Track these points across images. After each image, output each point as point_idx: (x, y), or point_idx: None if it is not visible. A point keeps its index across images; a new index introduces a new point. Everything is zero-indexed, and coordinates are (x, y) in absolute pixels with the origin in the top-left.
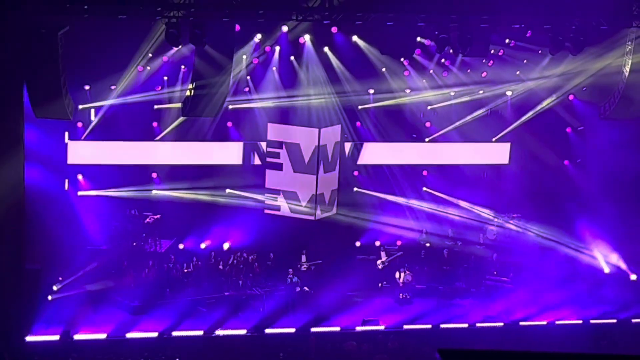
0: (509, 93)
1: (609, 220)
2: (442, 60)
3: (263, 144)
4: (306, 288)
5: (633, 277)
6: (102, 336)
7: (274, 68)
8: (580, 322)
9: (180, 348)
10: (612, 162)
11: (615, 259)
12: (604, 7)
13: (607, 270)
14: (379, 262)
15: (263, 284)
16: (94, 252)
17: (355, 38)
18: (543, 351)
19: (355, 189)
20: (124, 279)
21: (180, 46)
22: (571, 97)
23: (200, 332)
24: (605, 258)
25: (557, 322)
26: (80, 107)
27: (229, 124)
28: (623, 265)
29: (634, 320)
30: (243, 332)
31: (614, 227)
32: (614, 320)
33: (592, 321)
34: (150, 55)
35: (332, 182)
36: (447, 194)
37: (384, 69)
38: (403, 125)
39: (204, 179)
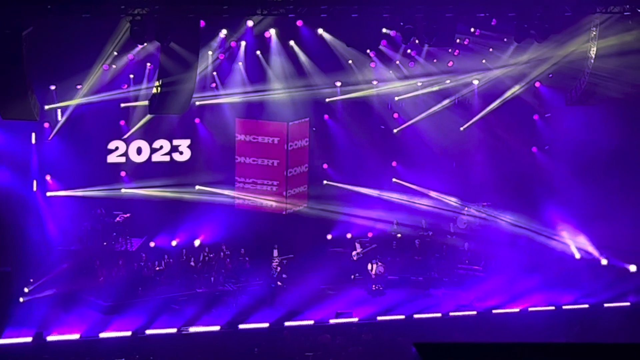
0: (475, 82)
1: (578, 206)
2: (408, 50)
3: (232, 140)
4: (279, 283)
5: (604, 261)
6: (75, 337)
7: (240, 63)
8: (553, 308)
9: (154, 346)
10: (580, 148)
11: (586, 244)
12: None
13: (577, 255)
14: (353, 253)
15: (236, 280)
16: (64, 253)
17: (320, 31)
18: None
19: (325, 182)
20: (95, 279)
21: (145, 44)
22: (537, 84)
23: (173, 330)
24: (575, 244)
25: (530, 309)
26: (46, 107)
27: (197, 120)
28: (593, 251)
29: (605, 305)
30: (217, 328)
31: (583, 212)
32: (586, 306)
33: (564, 307)
34: (115, 53)
35: (301, 175)
36: (416, 184)
37: (350, 61)
38: (371, 117)
39: (173, 176)
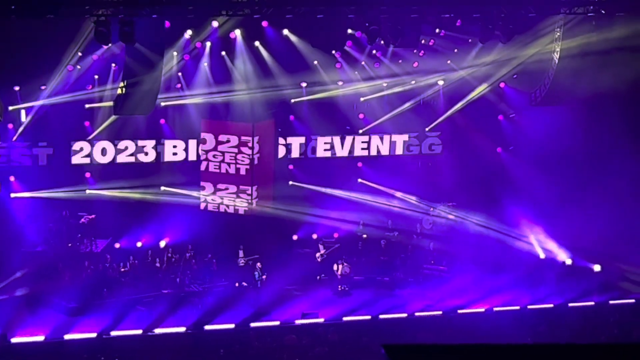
0: (440, 83)
1: (542, 205)
2: (374, 51)
3: (196, 141)
4: (244, 283)
5: (568, 261)
6: (40, 338)
7: (206, 64)
8: (518, 308)
9: (119, 348)
10: (544, 148)
11: (550, 244)
12: None
13: (542, 255)
14: (317, 254)
15: (201, 281)
16: (29, 255)
17: (286, 32)
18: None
19: (290, 182)
20: (60, 281)
21: (109, 44)
22: (502, 84)
23: (139, 331)
24: (540, 243)
25: (495, 309)
26: (10, 108)
27: (162, 121)
28: (557, 250)
29: (570, 305)
30: (182, 329)
31: (548, 212)
32: (551, 305)
33: (529, 307)
34: (79, 54)
35: (267, 176)
36: (382, 184)
37: (315, 62)
38: (336, 117)
39: (138, 178)
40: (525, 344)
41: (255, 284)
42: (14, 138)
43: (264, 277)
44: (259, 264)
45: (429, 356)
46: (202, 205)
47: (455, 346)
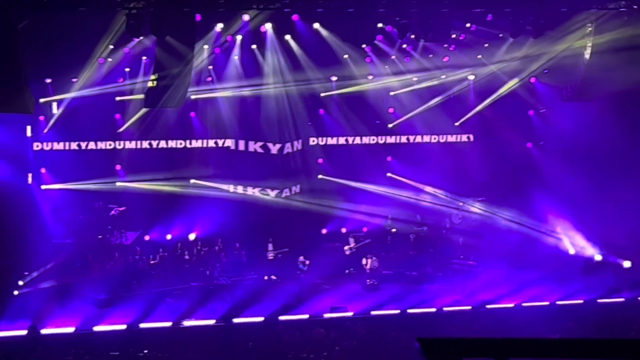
0: (471, 77)
1: (572, 201)
2: (404, 46)
3: (227, 133)
4: (273, 277)
5: (598, 257)
6: (70, 330)
7: (236, 57)
8: (547, 303)
9: (148, 340)
10: (575, 144)
11: (580, 240)
12: None
13: (571, 251)
14: (346, 247)
15: (230, 274)
16: (59, 246)
17: (316, 25)
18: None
19: (319, 176)
20: (90, 272)
21: (141, 37)
22: (533, 79)
23: (168, 324)
24: (570, 239)
25: (524, 304)
26: (41, 100)
27: (192, 114)
28: (587, 246)
29: (599, 301)
30: (211, 322)
31: (577, 208)
32: (580, 301)
33: (558, 302)
34: (111, 47)
35: (296, 169)
36: (411, 179)
37: (345, 56)
38: (366, 111)
39: (168, 170)
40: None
41: (301, 273)
42: (45, 130)
43: (307, 262)
44: (301, 257)
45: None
46: (232, 198)
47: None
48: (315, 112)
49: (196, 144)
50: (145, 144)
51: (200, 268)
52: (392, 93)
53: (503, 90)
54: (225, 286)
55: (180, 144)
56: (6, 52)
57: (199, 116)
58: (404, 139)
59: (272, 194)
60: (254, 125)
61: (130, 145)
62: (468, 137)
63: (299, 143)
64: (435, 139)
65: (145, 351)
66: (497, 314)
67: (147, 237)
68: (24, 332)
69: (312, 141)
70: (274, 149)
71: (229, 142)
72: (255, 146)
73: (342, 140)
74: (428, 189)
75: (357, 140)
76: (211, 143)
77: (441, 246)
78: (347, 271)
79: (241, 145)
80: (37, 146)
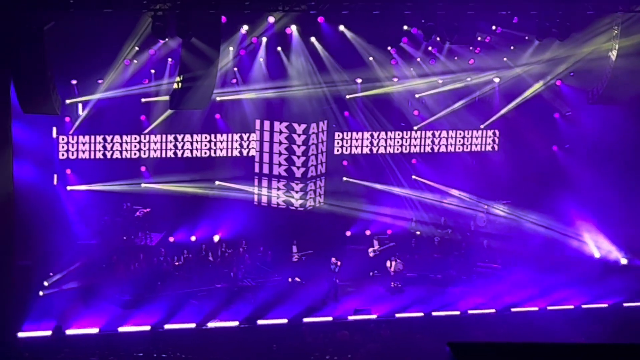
0: (496, 80)
1: (598, 204)
2: (429, 48)
3: (252, 135)
4: (297, 279)
5: (623, 261)
6: (94, 331)
7: (261, 59)
8: (572, 307)
9: (172, 341)
10: (601, 147)
11: (605, 243)
12: None
13: (597, 254)
14: (370, 250)
15: (254, 275)
16: (84, 247)
17: (341, 27)
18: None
19: (344, 178)
20: (114, 273)
21: (166, 39)
22: (559, 82)
23: (192, 325)
24: (595, 242)
25: (549, 308)
26: (67, 101)
27: (217, 115)
28: (613, 250)
29: (625, 305)
30: (235, 324)
31: (603, 211)
32: (606, 305)
33: (583, 306)
34: (136, 48)
35: (321, 171)
36: (436, 181)
37: (371, 58)
38: (391, 113)
39: (193, 172)
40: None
41: (333, 275)
42: (71, 131)
43: (338, 263)
44: (333, 258)
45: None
46: (256, 200)
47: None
48: (340, 114)
49: (221, 145)
50: (170, 146)
51: (224, 270)
52: (417, 95)
53: (529, 92)
54: (250, 288)
55: (205, 145)
56: (33, 53)
57: (224, 118)
58: (428, 142)
59: (296, 196)
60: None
61: (155, 146)
62: (493, 140)
63: (323, 145)
64: (460, 141)
65: (169, 352)
66: (522, 317)
67: (171, 239)
68: (48, 333)
69: (337, 143)
70: (298, 151)
71: (253, 145)
72: (280, 148)
73: (366, 143)
74: (453, 191)
75: (382, 142)
76: (236, 145)
77: (466, 249)
78: (371, 273)
79: (265, 146)
80: (62, 147)
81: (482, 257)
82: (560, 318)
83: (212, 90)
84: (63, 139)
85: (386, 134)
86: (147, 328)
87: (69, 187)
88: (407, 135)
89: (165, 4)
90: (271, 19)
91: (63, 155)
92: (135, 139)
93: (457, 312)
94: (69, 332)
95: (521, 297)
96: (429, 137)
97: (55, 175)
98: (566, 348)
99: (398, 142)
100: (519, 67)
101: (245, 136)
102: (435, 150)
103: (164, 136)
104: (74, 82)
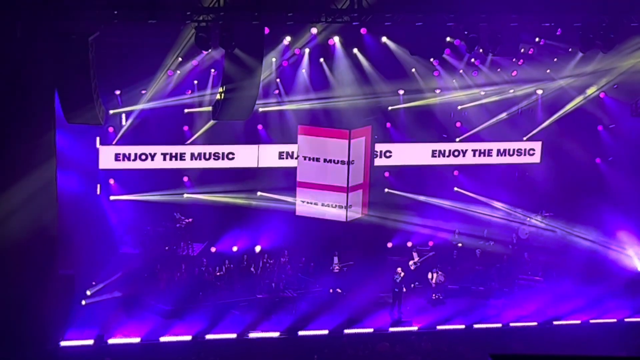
0: (539, 92)
1: None
2: (472, 59)
3: (294, 147)
4: (338, 290)
5: None
6: (136, 340)
7: (304, 70)
8: (615, 320)
9: (213, 351)
10: None
11: None
12: (633, 3)
13: None
14: (410, 262)
15: (296, 286)
16: (126, 257)
17: (384, 39)
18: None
19: (386, 189)
20: (157, 283)
21: (210, 50)
22: (602, 94)
23: (233, 335)
24: (638, 255)
25: (591, 321)
26: (111, 112)
27: (260, 126)
28: None
29: None
30: (276, 334)
31: None
32: None
33: (626, 320)
34: (180, 59)
35: (363, 183)
36: (478, 193)
37: (413, 70)
38: (433, 125)
39: (235, 182)
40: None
41: (398, 287)
42: (114, 141)
43: (402, 273)
44: (399, 269)
45: None
46: (298, 211)
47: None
48: (382, 126)
49: (263, 156)
50: (213, 156)
51: (265, 280)
52: (459, 107)
53: (572, 105)
54: (290, 299)
55: (248, 156)
56: (77, 64)
57: (266, 129)
58: (471, 153)
59: (338, 208)
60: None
61: (197, 157)
62: (536, 152)
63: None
64: (503, 153)
65: None
66: (564, 330)
67: (213, 249)
68: (91, 342)
69: (379, 154)
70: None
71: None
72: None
73: (408, 154)
74: (495, 203)
75: (424, 153)
76: (278, 155)
77: (508, 261)
78: (412, 285)
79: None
80: (106, 157)
81: (524, 270)
82: (602, 331)
83: (254, 101)
84: (106, 149)
85: (428, 146)
86: (189, 338)
87: (111, 197)
88: (449, 147)
89: (209, 15)
90: (314, 30)
91: (106, 165)
92: (178, 149)
93: (499, 325)
94: (111, 341)
95: (563, 310)
96: (471, 149)
97: (98, 185)
98: None
99: (440, 153)
100: (562, 79)
101: (287, 147)
102: (478, 162)
103: (206, 147)
104: (117, 92)
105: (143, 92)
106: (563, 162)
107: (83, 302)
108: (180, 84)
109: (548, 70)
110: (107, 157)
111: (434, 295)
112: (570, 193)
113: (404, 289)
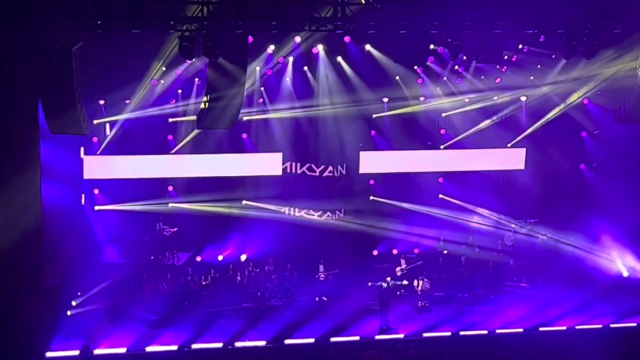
0: (523, 98)
1: (626, 223)
2: (456, 67)
3: (278, 155)
4: (324, 298)
5: None
6: (122, 350)
7: (288, 78)
8: (600, 326)
9: None
10: (629, 166)
11: (633, 261)
12: (616, 10)
13: (625, 273)
14: (397, 269)
15: (281, 295)
16: (111, 267)
17: (368, 47)
18: None
19: (371, 197)
20: (142, 293)
21: (193, 59)
22: (586, 101)
23: (219, 345)
24: (623, 261)
25: (577, 327)
26: (95, 122)
27: (244, 135)
28: None
29: None
30: (262, 343)
31: (631, 230)
32: (634, 324)
33: (611, 325)
34: (164, 68)
35: (348, 191)
36: (463, 200)
37: (397, 77)
38: (418, 133)
39: (220, 191)
40: None
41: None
42: (99, 151)
43: (405, 282)
44: (388, 278)
45: None
46: (283, 220)
47: None
48: (367, 134)
49: (247, 165)
50: (197, 166)
51: (251, 289)
52: (443, 114)
53: (556, 111)
54: (277, 307)
55: (232, 165)
56: (61, 74)
57: (251, 137)
58: (455, 160)
59: (315, 214)
60: (305, 147)
61: (182, 166)
62: (520, 159)
63: (349, 164)
64: (487, 160)
65: None
66: (550, 336)
67: (198, 258)
68: (76, 353)
69: (363, 162)
70: (326, 171)
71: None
72: (304, 168)
73: (393, 161)
74: (480, 210)
75: (409, 161)
76: (263, 164)
77: (493, 268)
78: (398, 293)
79: (292, 166)
80: (90, 167)
81: (510, 276)
82: (588, 337)
83: (238, 110)
84: (91, 159)
85: (413, 153)
86: (175, 348)
87: (96, 207)
88: (433, 154)
89: (192, 24)
90: (298, 39)
91: (90, 175)
92: (163, 158)
93: (485, 332)
94: (97, 351)
95: (549, 316)
96: (455, 156)
97: (83, 195)
98: None
99: (424, 161)
100: (545, 86)
101: (271, 155)
102: (462, 169)
103: (190, 156)
104: (101, 102)
105: (127, 101)
106: (547, 168)
107: (69, 313)
108: (164, 93)
109: (532, 77)
110: (92, 167)
111: (420, 302)
112: (554, 199)
113: (390, 283)
